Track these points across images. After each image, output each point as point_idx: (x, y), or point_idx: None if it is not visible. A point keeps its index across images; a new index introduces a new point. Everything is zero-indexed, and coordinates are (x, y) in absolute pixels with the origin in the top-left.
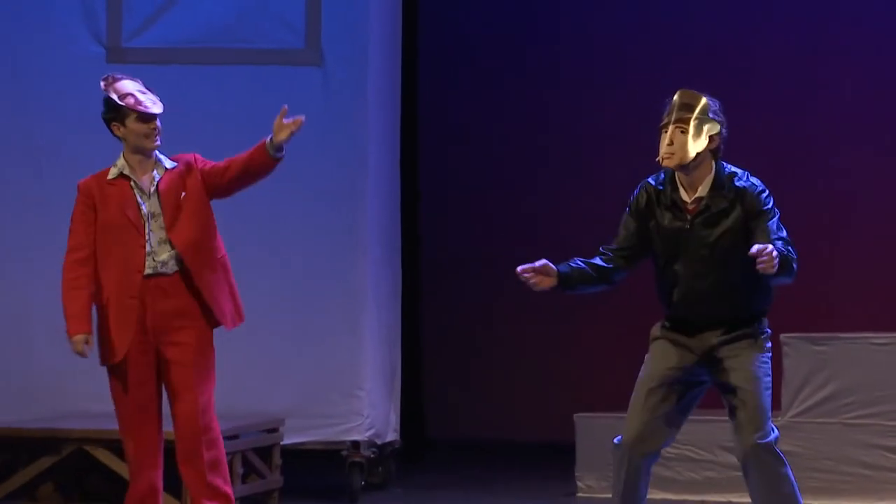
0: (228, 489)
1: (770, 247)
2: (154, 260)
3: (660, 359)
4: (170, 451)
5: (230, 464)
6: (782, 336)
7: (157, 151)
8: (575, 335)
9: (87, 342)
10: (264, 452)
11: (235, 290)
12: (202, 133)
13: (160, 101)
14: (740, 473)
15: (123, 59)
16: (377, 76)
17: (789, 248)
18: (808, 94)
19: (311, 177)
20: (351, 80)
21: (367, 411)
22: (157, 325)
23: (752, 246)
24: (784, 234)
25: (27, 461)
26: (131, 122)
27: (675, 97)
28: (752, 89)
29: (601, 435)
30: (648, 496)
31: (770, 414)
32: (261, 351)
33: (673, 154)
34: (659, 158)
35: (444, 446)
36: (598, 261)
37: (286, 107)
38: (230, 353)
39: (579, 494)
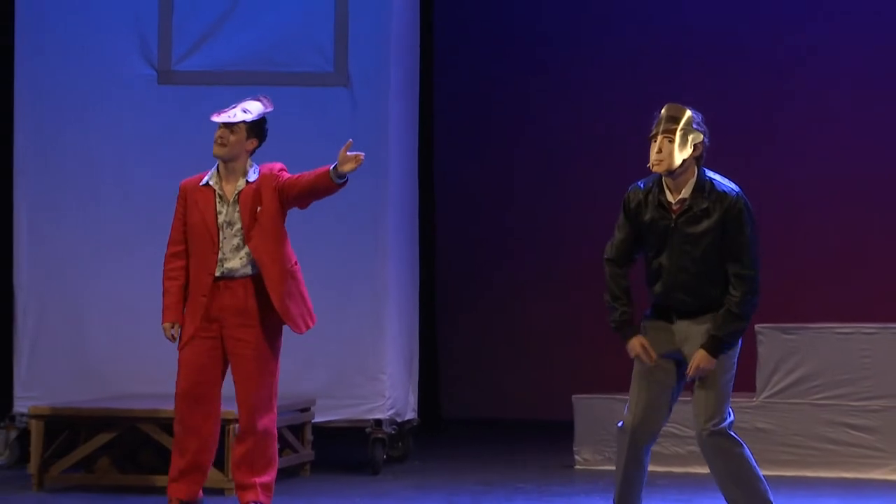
0: (266, 477)
1: (701, 367)
2: (224, 265)
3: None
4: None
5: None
6: (757, 326)
7: (251, 164)
8: (574, 326)
9: (174, 328)
10: (297, 429)
11: (306, 295)
12: None
13: (243, 113)
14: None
15: (173, 80)
16: (397, 95)
17: (746, 296)
18: (772, 93)
19: None
20: (374, 99)
21: (388, 393)
22: (222, 321)
23: (726, 251)
24: (751, 261)
25: (86, 438)
26: None
27: (663, 110)
28: (718, 85)
29: (597, 414)
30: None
31: (727, 400)
32: (295, 340)
33: (661, 161)
34: (650, 165)
35: (456, 424)
36: (625, 286)
37: (351, 140)
38: None
39: (577, 466)
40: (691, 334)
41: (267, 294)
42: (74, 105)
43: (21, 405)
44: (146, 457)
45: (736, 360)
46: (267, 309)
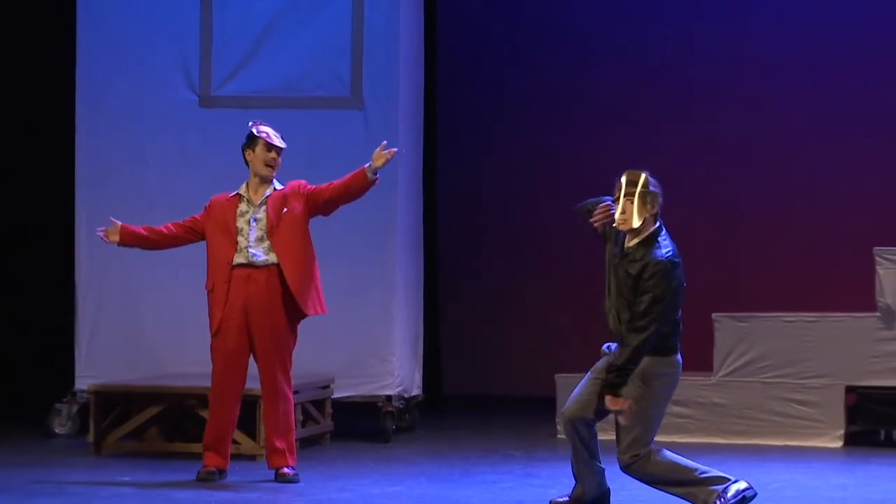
0: (288, 441)
1: (609, 408)
2: (246, 253)
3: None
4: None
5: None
6: (713, 315)
7: (274, 179)
8: (559, 314)
9: (109, 227)
10: (319, 404)
11: (320, 288)
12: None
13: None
14: (683, 420)
15: (212, 104)
16: (405, 116)
17: (631, 351)
18: (726, 94)
19: None
20: (384, 118)
21: (397, 372)
22: (248, 307)
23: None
24: (649, 320)
25: (137, 411)
26: (259, 150)
27: (623, 176)
28: (673, 90)
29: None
30: (610, 437)
31: (646, 431)
32: (316, 327)
33: (626, 220)
34: (615, 224)
35: (456, 399)
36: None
37: (385, 141)
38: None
39: (559, 436)
40: None
41: (286, 282)
42: (128, 125)
43: (81, 383)
44: (189, 427)
45: (659, 391)
46: (286, 295)
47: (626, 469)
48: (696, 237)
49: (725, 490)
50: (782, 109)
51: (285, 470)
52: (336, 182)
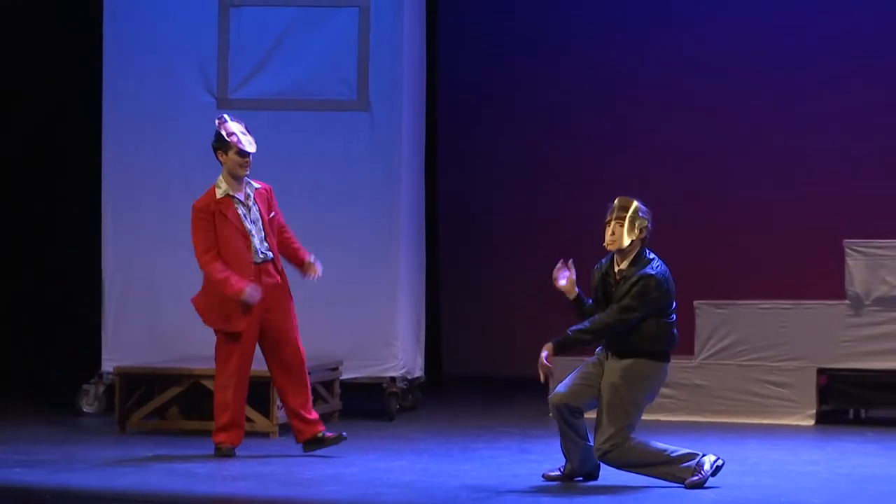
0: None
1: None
2: (260, 252)
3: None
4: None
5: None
6: (695, 302)
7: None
8: (554, 300)
9: (251, 287)
10: (328, 385)
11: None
12: (286, 158)
13: (254, 141)
14: (666, 400)
15: (229, 107)
16: (408, 117)
17: (608, 322)
18: (707, 92)
19: (361, 188)
20: (389, 121)
21: (400, 355)
22: (267, 296)
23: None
24: (626, 308)
25: (159, 391)
26: (232, 154)
27: (615, 201)
28: (659, 87)
29: (568, 371)
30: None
31: (624, 422)
32: (326, 314)
33: (614, 241)
34: (605, 244)
35: (456, 380)
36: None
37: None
38: (306, 314)
39: (550, 415)
40: (610, 368)
41: (282, 273)
42: (150, 126)
43: (107, 365)
44: (207, 406)
45: (644, 391)
46: (284, 283)
47: (603, 458)
48: (680, 230)
49: (700, 464)
50: (764, 104)
51: (328, 433)
52: (286, 243)
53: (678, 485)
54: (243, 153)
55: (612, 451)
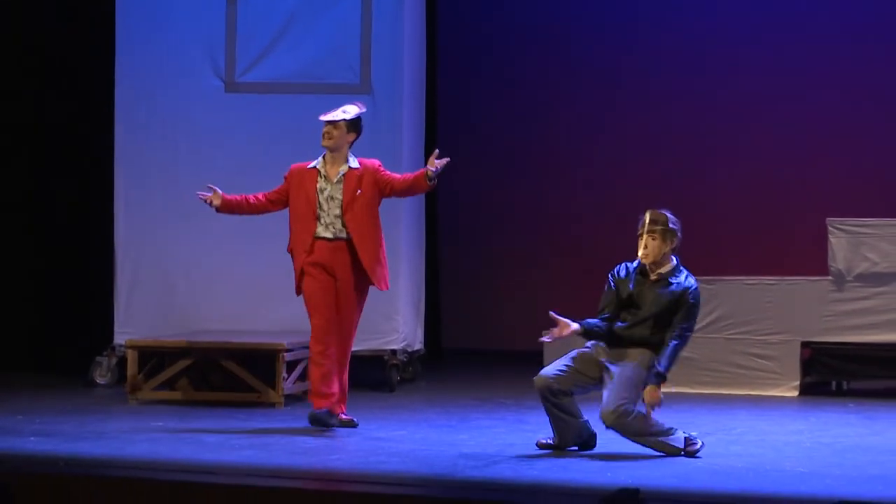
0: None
1: (653, 404)
2: (327, 228)
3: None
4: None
5: (308, 367)
6: None
7: (350, 154)
8: (549, 276)
9: (208, 193)
10: None
11: (385, 265)
12: (290, 141)
13: (342, 112)
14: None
15: (237, 90)
16: (409, 99)
17: (678, 340)
18: (693, 77)
19: None
20: (390, 104)
21: (401, 328)
22: (332, 267)
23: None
24: (686, 325)
25: (169, 363)
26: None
27: (647, 215)
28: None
29: (560, 346)
30: (586, 395)
31: (631, 399)
32: None
33: (647, 255)
34: (639, 257)
35: (454, 353)
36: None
37: (437, 150)
38: None
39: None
40: (620, 353)
41: (358, 256)
42: (161, 108)
43: (119, 338)
44: (215, 378)
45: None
46: (356, 267)
47: (612, 425)
48: (667, 208)
49: (689, 435)
50: (748, 86)
51: (343, 416)
52: (402, 179)
53: (666, 455)
54: (323, 123)
55: (621, 419)
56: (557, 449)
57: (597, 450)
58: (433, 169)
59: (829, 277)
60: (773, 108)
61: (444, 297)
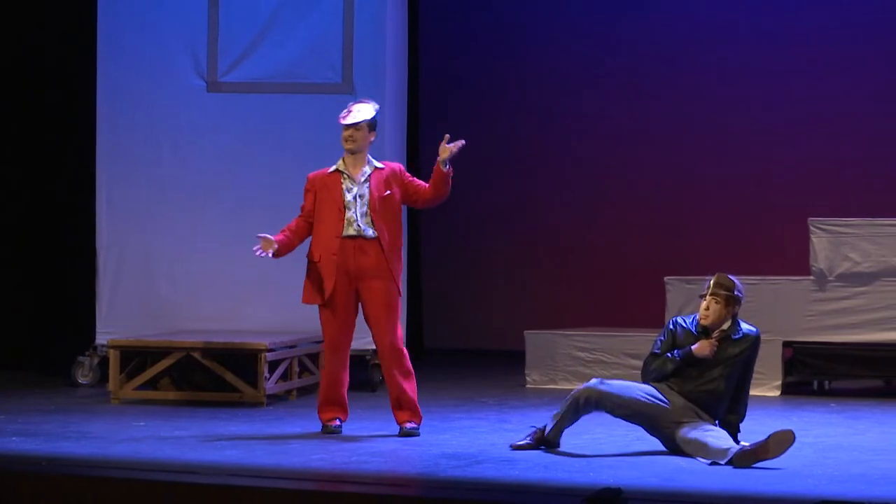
0: (414, 394)
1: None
2: (354, 227)
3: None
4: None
5: (290, 366)
6: (665, 278)
7: (368, 154)
8: (531, 276)
9: (266, 243)
10: (314, 357)
11: (402, 268)
12: (273, 140)
13: (358, 111)
14: (639, 372)
15: (219, 89)
16: (391, 99)
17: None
18: (678, 72)
19: None
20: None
21: None
22: (358, 274)
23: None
24: (752, 375)
25: (151, 363)
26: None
27: (714, 278)
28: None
29: (543, 345)
30: (571, 386)
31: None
32: None
33: (708, 317)
34: (699, 317)
35: (436, 352)
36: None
37: (448, 135)
38: (294, 289)
39: (528, 386)
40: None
41: (387, 255)
42: (143, 106)
43: (102, 338)
44: (198, 378)
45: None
46: (381, 266)
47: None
48: (651, 208)
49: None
50: (732, 84)
51: (408, 426)
52: (427, 186)
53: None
54: (342, 126)
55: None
56: (534, 448)
57: (579, 450)
58: (446, 155)
59: (811, 277)
60: (755, 108)
61: (426, 297)
